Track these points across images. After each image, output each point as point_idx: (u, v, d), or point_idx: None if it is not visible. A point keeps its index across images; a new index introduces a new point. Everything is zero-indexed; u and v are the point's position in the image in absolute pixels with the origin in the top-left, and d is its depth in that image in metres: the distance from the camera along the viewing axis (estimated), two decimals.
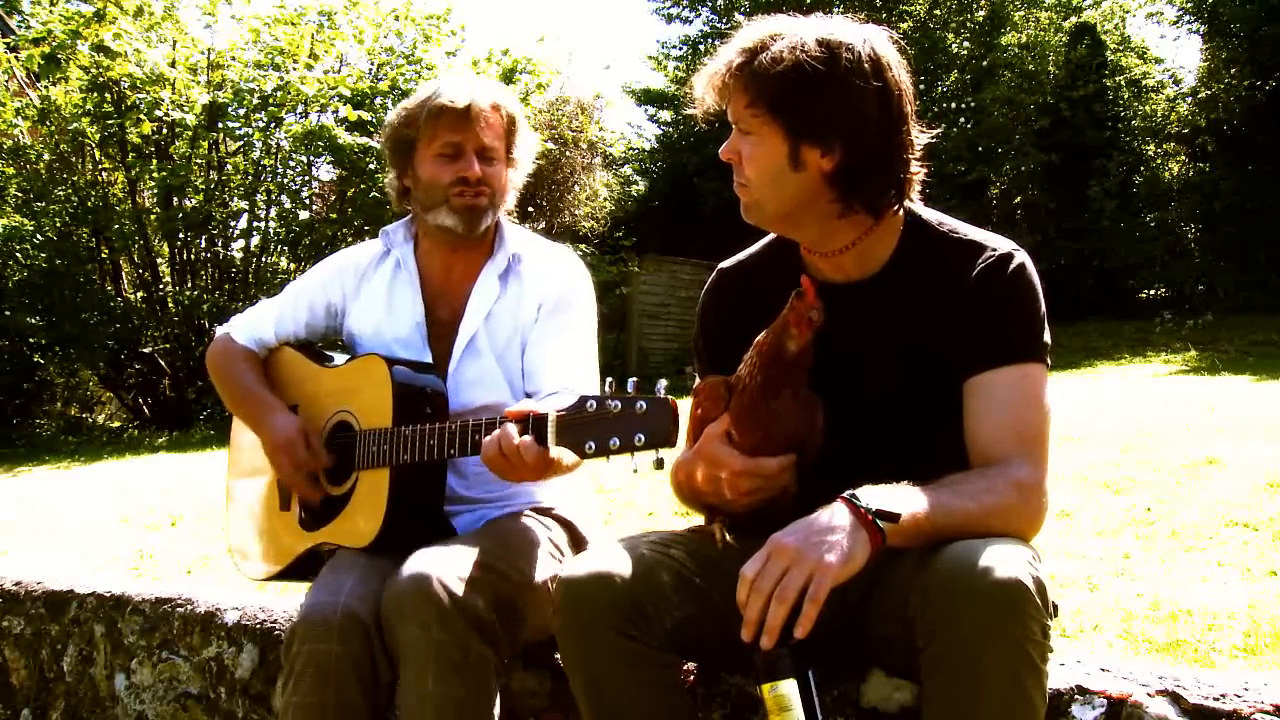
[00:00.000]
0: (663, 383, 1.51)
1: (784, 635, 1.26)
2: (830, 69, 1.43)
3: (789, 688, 1.27)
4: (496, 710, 1.64)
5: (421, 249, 2.08)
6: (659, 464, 1.49)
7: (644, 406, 1.48)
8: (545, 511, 2.00)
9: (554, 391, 1.86)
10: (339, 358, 2.11)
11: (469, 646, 1.61)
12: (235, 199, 10.96)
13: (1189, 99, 16.43)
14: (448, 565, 1.65)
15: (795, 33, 1.46)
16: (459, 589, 1.62)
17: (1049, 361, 1.52)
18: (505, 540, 1.82)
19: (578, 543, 1.98)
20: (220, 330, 2.20)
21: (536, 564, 1.80)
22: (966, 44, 16.99)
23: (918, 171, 1.53)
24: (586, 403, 1.53)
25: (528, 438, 1.58)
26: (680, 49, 19.52)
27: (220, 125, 10.39)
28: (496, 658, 1.66)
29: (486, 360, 1.98)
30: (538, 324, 1.98)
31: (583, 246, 13.35)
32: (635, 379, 1.52)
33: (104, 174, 10.91)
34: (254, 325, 2.15)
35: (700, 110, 1.56)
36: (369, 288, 2.09)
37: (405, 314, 2.03)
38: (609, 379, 1.56)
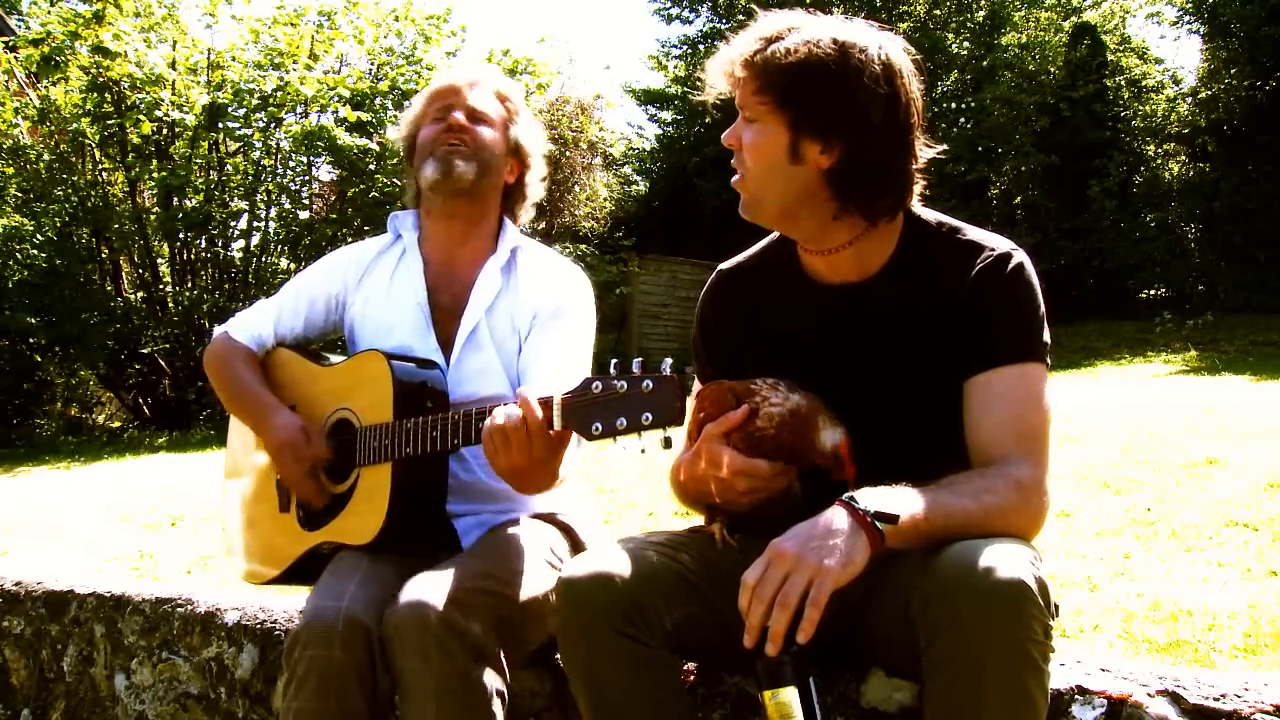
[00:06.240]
0: (668, 361, 1.49)
1: (786, 641, 1.26)
2: (840, 67, 1.44)
3: (790, 695, 1.27)
4: None
5: (426, 235, 2.09)
6: (667, 443, 1.46)
7: (650, 385, 1.46)
8: (546, 518, 1.99)
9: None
10: (335, 358, 2.10)
11: (470, 675, 1.59)
12: (235, 199, 10.97)
13: (1189, 99, 16.40)
14: (445, 591, 1.62)
15: (812, 28, 1.48)
16: (457, 616, 1.59)
17: (1048, 361, 1.52)
18: (504, 556, 1.80)
19: (578, 549, 1.97)
20: (218, 330, 2.18)
21: (537, 576, 1.78)
22: (966, 44, 16.98)
23: (918, 181, 1.54)
24: (592, 384, 1.51)
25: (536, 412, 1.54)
26: (680, 49, 19.52)
27: (220, 125, 10.40)
28: (499, 681, 1.64)
29: (488, 352, 1.97)
30: (532, 330, 1.98)
31: (583, 246, 13.38)
32: (640, 359, 1.51)
33: (104, 174, 10.92)
34: (253, 324, 2.13)
35: (709, 95, 1.57)
36: (371, 278, 2.09)
37: (408, 296, 2.03)
38: (613, 359, 1.54)
